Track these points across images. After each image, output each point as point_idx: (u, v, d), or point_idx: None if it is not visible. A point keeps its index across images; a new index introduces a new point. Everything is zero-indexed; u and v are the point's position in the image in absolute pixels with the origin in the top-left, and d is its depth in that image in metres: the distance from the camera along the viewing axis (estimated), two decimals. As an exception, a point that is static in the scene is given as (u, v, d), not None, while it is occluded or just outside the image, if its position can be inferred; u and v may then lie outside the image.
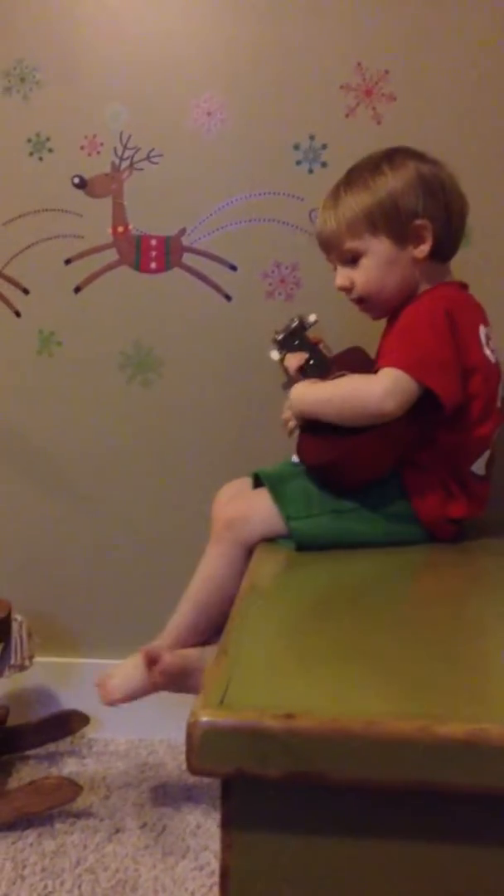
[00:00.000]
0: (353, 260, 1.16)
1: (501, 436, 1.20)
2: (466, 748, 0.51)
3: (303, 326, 1.20)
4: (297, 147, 1.46)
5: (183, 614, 1.21)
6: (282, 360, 1.24)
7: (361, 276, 1.16)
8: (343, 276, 1.18)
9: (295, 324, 1.21)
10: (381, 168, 1.14)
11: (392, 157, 1.15)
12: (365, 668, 0.64)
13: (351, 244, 1.15)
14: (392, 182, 1.12)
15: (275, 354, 1.27)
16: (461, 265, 1.32)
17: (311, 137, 1.45)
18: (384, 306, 1.18)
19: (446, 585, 0.95)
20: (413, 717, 0.52)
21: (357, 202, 1.13)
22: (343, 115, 1.44)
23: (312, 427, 1.11)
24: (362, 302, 1.19)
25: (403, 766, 0.51)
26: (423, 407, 1.04)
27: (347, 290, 1.19)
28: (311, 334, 1.24)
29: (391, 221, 1.12)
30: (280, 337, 1.19)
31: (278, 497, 1.11)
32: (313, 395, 1.11)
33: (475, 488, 1.14)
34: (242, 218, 1.49)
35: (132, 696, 1.23)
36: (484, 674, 0.65)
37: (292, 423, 1.16)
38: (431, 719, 0.52)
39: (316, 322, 1.23)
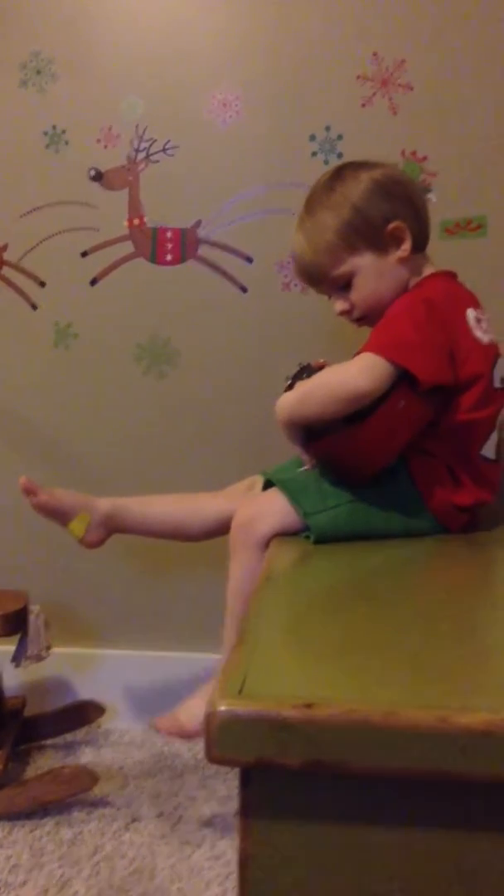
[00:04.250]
0: (344, 285, 1.17)
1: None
2: (485, 738, 0.51)
3: (310, 366, 1.21)
4: (312, 138, 1.46)
5: (230, 639, 1.21)
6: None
7: (357, 295, 1.17)
8: (341, 302, 1.19)
9: (304, 364, 1.22)
10: (333, 188, 1.15)
11: (340, 174, 1.17)
12: (383, 657, 0.64)
13: (337, 272, 1.16)
14: (350, 197, 1.13)
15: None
16: (478, 256, 1.32)
17: (327, 128, 1.45)
18: (384, 314, 1.19)
19: (463, 576, 0.95)
20: (432, 706, 0.53)
21: (326, 229, 1.14)
22: (359, 106, 1.44)
23: (313, 430, 1.11)
24: (364, 318, 1.20)
25: (422, 756, 0.52)
26: (415, 386, 1.04)
27: (349, 312, 1.20)
28: (317, 363, 1.24)
29: (365, 234, 1.13)
30: (290, 382, 1.20)
31: (293, 494, 1.11)
32: (292, 395, 1.10)
33: (486, 473, 1.14)
34: (258, 209, 1.48)
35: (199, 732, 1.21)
36: (502, 663, 0.65)
37: (308, 461, 1.16)
38: (451, 709, 0.52)
39: (325, 364, 1.24)
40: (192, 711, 1.21)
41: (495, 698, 0.56)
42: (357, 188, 1.14)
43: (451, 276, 1.20)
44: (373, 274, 1.15)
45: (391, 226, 1.13)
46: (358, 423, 1.05)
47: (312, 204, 1.17)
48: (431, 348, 1.05)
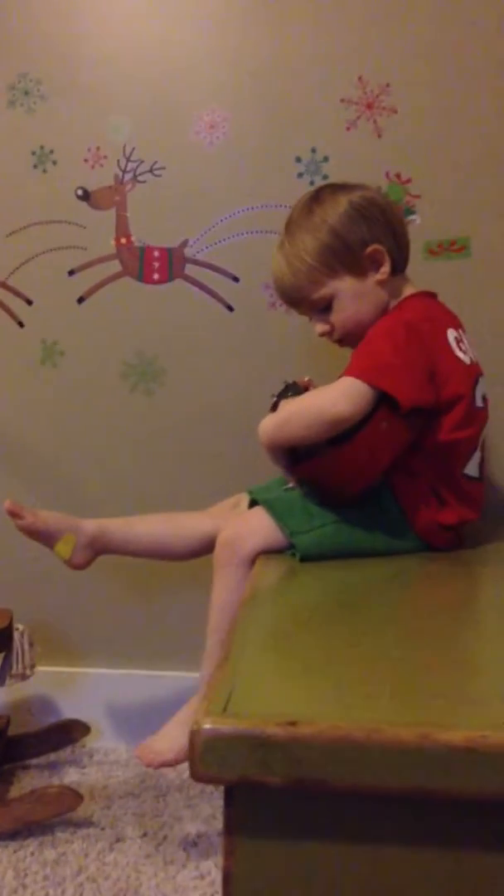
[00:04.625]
0: (324, 307, 1.19)
1: (495, 437, 1.21)
2: (467, 755, 0.51)
3: (296, 385, 1.22)
4: (298, 160, 1.47)
5: (211, 655, 1.21)
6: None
7: (337, 317, 1.19)
8: (321, 324, 1.21)
9: (289, 382, 1.23)
10: (312, 211, 1.16)
11: (318, 197, 1.18)
12: (366, 675, 0.65)
13: (316, 295, 1.17)
14: (329, 220, 1.14)
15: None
16: (461, 277, 1.34)
17: (313, 150, 1.47)
18: (364, 336, 1.19)
19: (445, 593, 0.95)
20: (414, 724, 0.53)
21: (305, 252, 1.15)
22: (344, 129, 1.45)
23: (297, 451, 1.12)
24: (344, 339, 1.21)
25: (405, 773, 0.52)
26: (396, 408, 1.04)
27: (329, 334, 1.21)
28: (302, 381, 1.25)
29: (344, 258, 1.15)
30: (275, 400, 1.20)
31: (278, 514, 1.12)
32: (273, 419, 1.11)
33: (469, 491, 1.15)
34: (244, 230, 1.50)
35: (180, 759, 1.21)
36: (484, 680, 0.65)
37: (292, 481, 1.16)
38: (432, 726, 0.52)
39: (310, 382, 1.25)
40: (171, 737, 1.21)
41: (477, 715, 0.57)
42: (335, 211, 1.15)
43: (430, 296, 1.22)
44: (352, 297, 1.17)
45: (369, 249, 1.15)
46: (341, 445, 1.06)
47: (291, 227, 1.19)
48: (411, 370, 1.06)
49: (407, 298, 1.19)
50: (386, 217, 1.17)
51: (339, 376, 1.07)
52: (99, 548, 1.30)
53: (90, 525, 1.29)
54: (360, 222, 1.15)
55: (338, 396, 1.04)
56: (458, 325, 1.18)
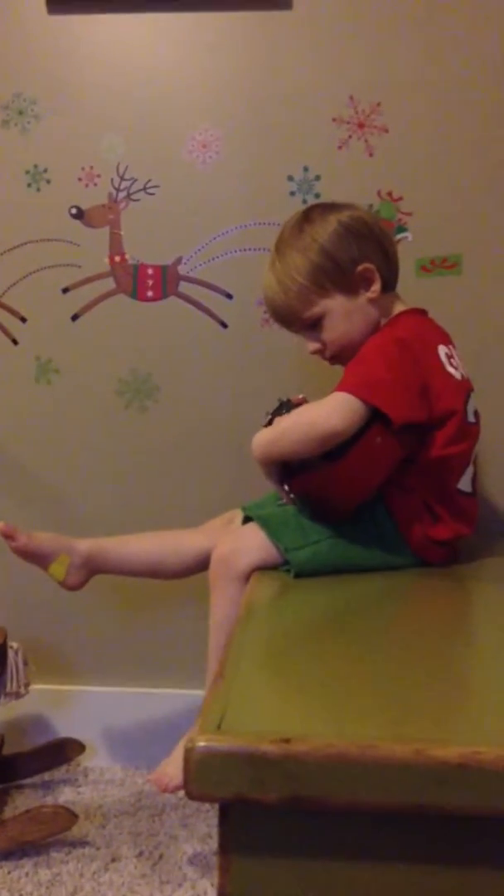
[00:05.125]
0: (315, 325, 1.19)
1: (487, 452, 1.22)
2: (461, 771, 0.51)
3: (290, 402, 1.23)
4: (290, 178, 1.48)
5: (212, 675, 1.20)
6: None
7: (328, 336, 1.19)
8: (313, 342, 1.21)
9: (284, 400, 1.24)
10: (303, 230, 1.17)
11: (309, 216, 1.19)
12: (361, 692, 0.65)
13: (308, 313, 1.18)
14: (319, 240, 1.15)
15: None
16: (453, 294, 1.35)
17: (305, 169, 1.48)
18: (356, 353, 1.20)
19: (439, 610, 0.95)
20: (408, 740, 0.53)
21: (296, 271, 1.16)
22: (336, 147, 1.47)
23: (291, 465, 1.12)
24: (336, 357, 1.22)
25: (400, 790, 0.52)
26: (385, 424, 1.05)
27: (321, 352, 1.22)
28: (296, 399, 1.26)
29: (335, 277, 1.16)
30: (270, 417, 1.21)
31: (273, 531, 1.12)
32: (266, 434, 1.12)
33: (463, 506, 1.16)
34: (238, 247, 1.51)
35: None
36: (478, 697, 0.65)
37: (286, 496, 1.16)
38: (427, 743, 0.53)
39: (304, 400, 1.25)
40: (179, 760, 1.21)
41: (471, 731, 0.57)
42: (326, 231, 1.16)
43: (421, 313, 1.22)
44: (343, 315, 1.17)
45: (360, 268, 1.16)
46: (334, 461, 1.06)
47: (282, 247, 1.19)
48: (403, 387, 1.07)
49: (398, 316, 1.19)
50: (375, 236, 1.18)
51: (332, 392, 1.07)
52: (93, 568, 1.30)
53: (84, 545, 1.29)
54: (351, 241, 1.16)
55: (330, 411, 1.04)
56: (448, 342, 1.19)
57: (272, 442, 1.10)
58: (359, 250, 1.16)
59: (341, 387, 1.06)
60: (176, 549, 1.30)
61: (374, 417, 1.04)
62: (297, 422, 1.09)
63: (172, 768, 1.21)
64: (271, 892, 0.56)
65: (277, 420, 1.13)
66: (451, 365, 1.15)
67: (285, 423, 1.11)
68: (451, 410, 1.11)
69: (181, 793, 1.28)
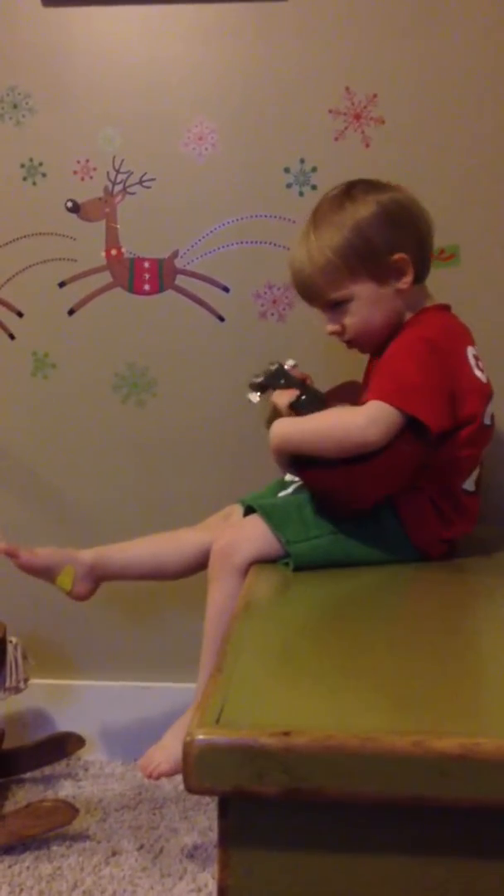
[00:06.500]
0: (338, 306, 1.16)
1: (490, 451, 1.21)
2: (461, 762, 0.51)
3: (281, 368, 1.19)
4: (287, 170, 1.48)
5: (206, 665, 1.20)
6: (267, 398, 1.23)
7: (350, 320, 1.16)
8: (332, 322, 1.18)
9: (275, 367, 1.20)
10: (343, 206, 1.13)
11: (351, 193, 1.15)
12: (360, 684, 0.65)
13: (334, 294, 1.15)
14: (358, 220, 1.11)
15: (254, 397, 1.26)
16: (450, 286, 1.34)
17: (301, 161, 1.47)
18: (374, 342, 1.18)
19: (438, 603, 0.95)
20: (408, 732, 0.53)
21: (329, 248, 1.12)
22: (332, 139, 1.46)
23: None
24: (353, 342, 1.20)
25: (399, 781, 0.52)
26: (420, 432, 1.03)
27: (339, 334, 1.19)
28: (296, 373, 1.23)
29: (368, 262, 1.12)
30: (260, 380, 1.17)
31: (275, 523, 1.11)
32: (293, 427, 1.10)
33: (466, 504, 1.15)
34: (234, 240, 1.50)
35: (177, 770, 1.21)
36: (477, 688, 0.65)
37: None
38: (426, 734, 0.52)
39: (295, 366, 1.23)
40: (167, 747, 1.21)
41: (470, 723, 0.57)
42: (367, 211, 1.11)
43: (446, 309, 1.20)
44: (369, 302, 1.14)
45: (395, 257, 1.12)
46: (357, 464, 1.03)
47: (319, 219, 1.15)
48: (439, 394, 1.04)
49: (424, 312, 1.16)
50: (414, 224, 1.15)
51: (364, 382, 1.03)
52: (98, 575, 1.29)
53: (87, 555, 1.28)
54: (390, 227, 1.12)
55: (368, 423, 1.02)
56: (473, 341, 1.16)
57: (297, 441, 1.08)
58: (396, 238, 1.12)
59: (375, 394, 1.03)
60: (177, 549, 1.29)
61: (406, 425, 1.02)
62: (330, 428, 1.07)
63: (160, 754, 1.21)
64: (271, 885, 0.56)
65: (277, 394, 1.09)
66: (479, 367, 1.13)
67: (314, 424, 1.08)
68: (474, 415, 1.09)
69: (181, 786, 1.28)
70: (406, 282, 1.13)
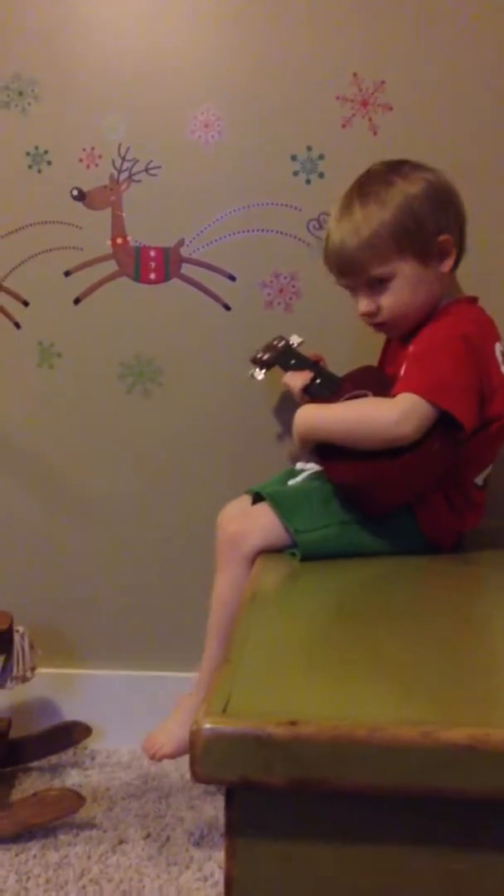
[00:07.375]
0: (377, 284, 1.12)
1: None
2: (470, 753, 0.51)
3: (290, 346, 1.16)
4: (294, 158, 1.47)
5: (210, 658, 1.19)
6: (269, 375, 1.19)
7: (389, 299, 1.12)
8: (368, 302, 1.13)
9: (282, 343, 1.16)
10: (393, 182, 1.10)
11: (399, 169, 1.12)
12: (367, 674, 0.64)
13: (378, 270, 1.10)
14: (410, 198, 1.08)
15: (259, 374, 1.23)
16: (463, 278, 1.33)
17: (309, 148, 1.46)
18: (408, 325, 1.15)
19: (447, 594, 0.95)
20: (416, 722, 0.53)
21: (379, 223, 1.08)
22: (339, 126, 1.45)
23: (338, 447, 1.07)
24: (385, 324, 1.16)
25: (407, 772, 0.52)
26: (450, 430, 1.02)
27: (373, 314, 1.14)
28: (309, 353, 1.20)
29: (417, 241, 1.09)
30: (265, 356, 1.13)
31: (284, 512, 1.10)
32: (320, 415, 1.08)
33: (476, 498, 1.15)
34: (241, 228, 1.49)
35: (179, 752, 1.21)
36: (486, 679, 0.65)
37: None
38: (434, 725, 0.52)
39: (301, 343, 1.19)
40: (169, 729, 1.22)
41: (479, 714, 0.56)
42: (417, 188, 1.09)
43: (476, 301, 1.18)
44: (411, 282, 1.10)
45: (441, 237, 1.10)
46: (388, 457, 1.02)
47: (366, 193, 1.11)
48: (471, 393, 1.03)
49: (457, 303, 1.14)
50: (458, 207, 1.13)
51: (381, 363, 1.00)
52: None
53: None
54: (438, 207, 1.09)
55: (401, 417, 1.00)
56: (500, 337, 1.14)
57: (324, 430, 1.06)
58: (444, 219, 1.10)
59: (409, 386, 1.01)
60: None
61: (438, 421, 1.01)
62: (360, 419, 1.05)
63: (162, 736, 1.21)
64: (278, 875, 0.55)
65: (289, 376, 1.06)
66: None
67: (343, 414, 1.07)
68: (499, 414, 1.08)
69: (187, 775, 1.29)
70: (448, 265, 1.11)
